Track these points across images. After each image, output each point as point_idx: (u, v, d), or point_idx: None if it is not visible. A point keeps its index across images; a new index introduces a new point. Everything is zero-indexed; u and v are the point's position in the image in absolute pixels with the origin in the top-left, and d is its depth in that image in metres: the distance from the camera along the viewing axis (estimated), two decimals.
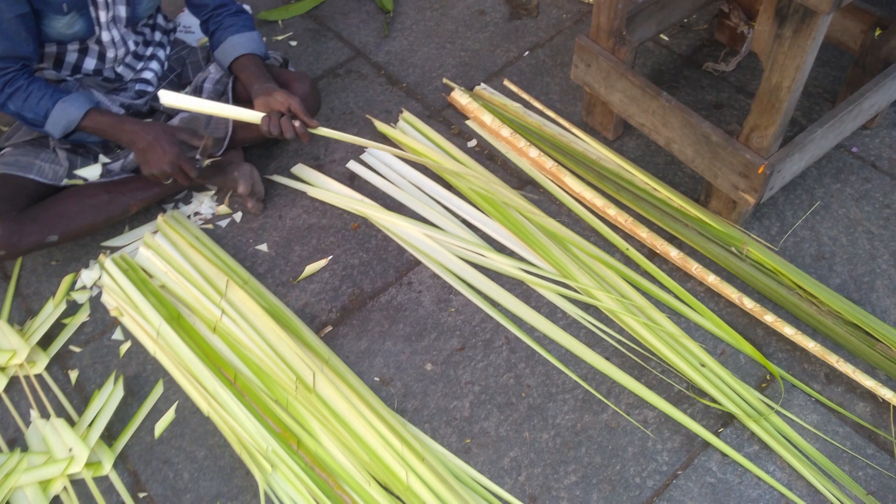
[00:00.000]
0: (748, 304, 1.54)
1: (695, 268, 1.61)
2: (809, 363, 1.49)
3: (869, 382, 1.41)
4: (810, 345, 1.47)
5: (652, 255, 1.68)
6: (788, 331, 1.49)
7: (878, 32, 1.71)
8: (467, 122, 2.02)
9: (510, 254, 1.72)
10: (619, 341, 1.55)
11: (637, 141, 1.92)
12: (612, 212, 1.73)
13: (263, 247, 1.79)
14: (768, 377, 1.48)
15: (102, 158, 1.76)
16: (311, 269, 1.74)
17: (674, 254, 1.64)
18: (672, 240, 1.68)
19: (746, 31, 1.98)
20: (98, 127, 1.62)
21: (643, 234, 1.68)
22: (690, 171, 1.83)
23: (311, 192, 1.88)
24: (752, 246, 1.60)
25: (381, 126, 2.01)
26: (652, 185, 1.75)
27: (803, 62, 1.33)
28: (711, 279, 1.59)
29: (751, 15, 2.00)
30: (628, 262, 1.67)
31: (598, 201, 1.76)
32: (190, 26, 2.22)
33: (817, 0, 1.20)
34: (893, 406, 1.40)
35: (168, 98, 1.50)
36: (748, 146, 1.52)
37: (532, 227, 1.74)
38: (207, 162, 1.69)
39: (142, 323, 1.62)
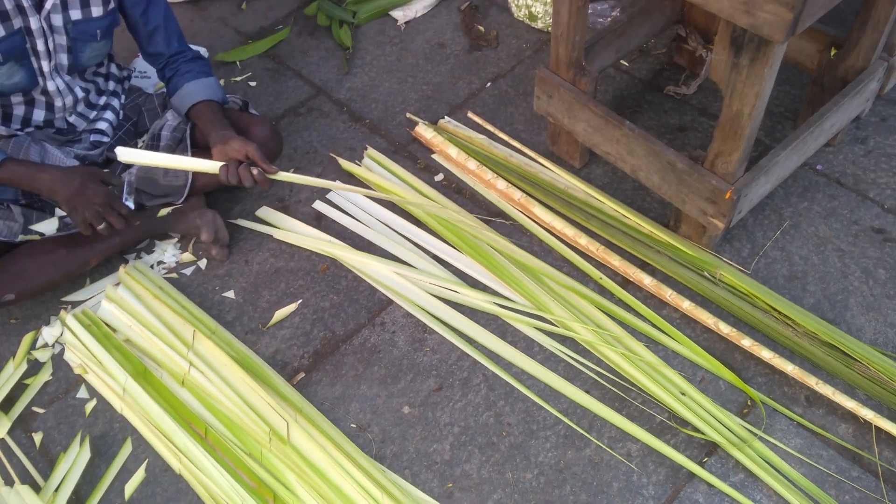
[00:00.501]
0: (724, 328, 1.53)
1: (669, 294, 1.60)
2: (789, 386, 1.48)
3: (850, 403, 1.40)
4: (789, 367, 1.46)
5: (626, 283, 1.67)
6: (766, 354, 1.49)
7: (833, 52, 1.74)
8: (433, 156, 2.01)
9: (483, 288, 1.70)
10: (597, 373, 1.53)
11: (604, 168, 1.92)
12: (583, 241, 1.72)
13: (230, 294, 1.75)
14: (749, 402, 1.47)
15: (59, 211, 1.70)
16: (280, 314, 1.70)
17: (647, 281, 1.63)
18: (644, 266, 1.68)
19: (705, 55, 2.01)
20: (13, 178, 1.51)
21: (615, 262, 1.67)
22: (659, 197, 1.84)
23: (278, 234, 1.85)
24: (725, 270, 1.60)
25: (345, 164, 1.99)
26: (621, 212, 1.75)
27: (762, 89, 1.34)
28: (686, 305, 1.58)
29: (707, 38, 2.02)
30: (602, 291, 1.66)
31: (569, 231, 1.75)
32: (146, 71, 2.18)
33: (771, 30, 1.21)
34: (875, 426, 1.39)
35: (125, 154, 1.45)
36: (713, 172, 1.52)
37: (504, 261, 1.72)
38: (166, 211, 1.65)
39: (107, 380, 1.56)
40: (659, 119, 2.02)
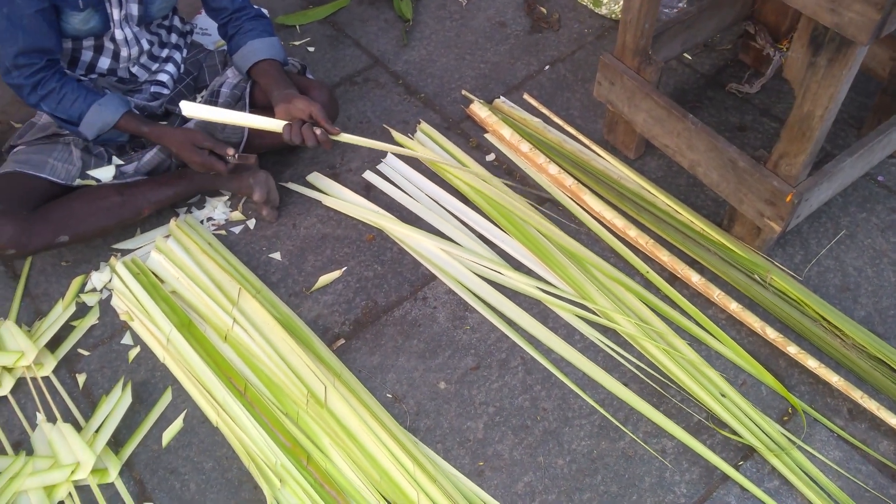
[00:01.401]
0: (771, 334, 1.51)
1: (716, 294, 1.58)
2: (833, 397, 1.46)
3: (894, 420, 1.38)
4: (834, 379, 1.44)
5: (673, 279, 1.65)
6: (812, 363, 1.46)
7: None
8: (486, 136, 2.00)
9: (528, 272, 1.69)
10: (637, 367, 1.52)
11: (659, 161, 1.89)
12: (632, 233, 1.70)
13: (277, 255, 1.76)
14: (790, 410, 1.45)
15: (116, 160, 1.73)
16: (324, 279, 1.71)
17: (695, 279, 1.61)
18: (693, 264, 1.66)
19: (772, 54, 1.96)
20: (129, 127, 1.64)
21: (664, 257, 1.65)
22: (713, 195, 1.81)
23: (327, 201, 1.86)
24: (776, 274, 1.57)
25: (398, 136, 1.99)
26: (674, 207, 1.73)
27: (837, 92, 1.30)
28: (733, 307, 1.56)
29: (777, 37, 1.97)
30: (648, 285, 1.65)
31: (619, 222, 1.73)
32: (207, 28, 2.20)
33: (856, 30, 1.18)
34: None
35: (189, 109, 1.47)
36: (776, 173, 1.49)
37: (550, 246, 1.71)
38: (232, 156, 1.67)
39: (152, 329, 1.59)
40: (719, 116, 1.98)
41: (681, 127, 1.64)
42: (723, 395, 1.45)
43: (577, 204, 1.81)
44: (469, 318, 1.62)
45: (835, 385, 1.44)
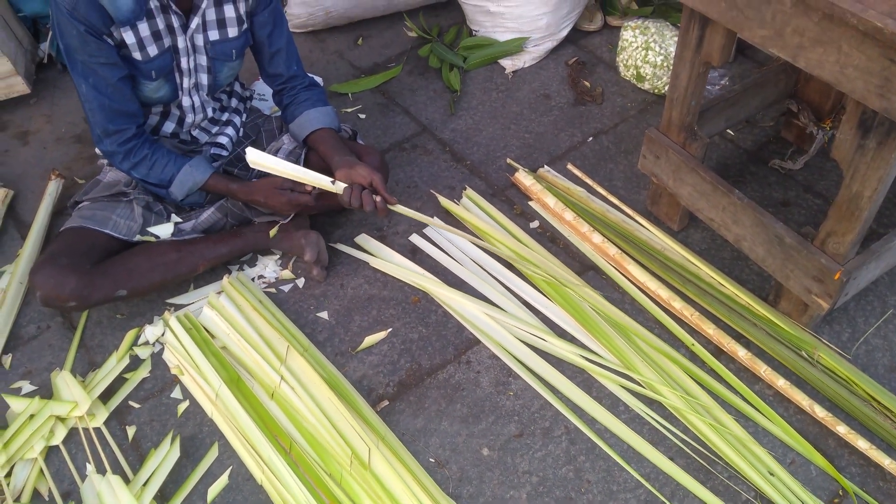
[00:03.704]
0: (819, 412, 1.49)
1: (763, 370, 1.58)
2: (885, 481, 1.43)
3: None
4: (886, 461, 1.41)
5: (719, 352, 1.65)
6: (862, 444, 1.44)
7: None
8: (530, 203, 2.04)
9: (571, 339, 1.70)
10: (683, 441, 1.51)
11: (703, 233, 1.91)
12: (677, 305, 1.71)
13: (324, 314, 1.80)
14: (841, 492, 1.42)
15: (175, 218, 1.80)
16: (370, 340, 1.74)
17: (741, 353, 1.61)
18: (739, 338, 1.65)
19: (815, 132, 1.99)
20: (216, 187, 1.76)
21: (710, 330, 1.66)
22: (758, 269, 1.82)
23: (374, 262, 1.90)
24: (823, 351, 1.57)
25: (444, 202, 2.04)
26: (719, 279, 1.74)
27: (887, 174, 1.32)
28: (781, 383, 1.55)
29: (820, 116, 2.01)
30: (694, 358, 1.64)
31: (663, 293, 1.74)
32: (263, 94, 2.30)
33: None
34: None
35: (254, 156, 1.55)
36: (823, 251, 1.50)
37: (594, 314, 1.73)
38: (276, 230, 1.73)
39: (201, 383, 1.62)
40: (762, 191, 2.00)
41: (726, 201, 1.66)
42: (771, 474, 1.43)
43: (621, 273, 1.83)
44: (513, 384, 1.63)
45: (887, 468, 1.41)
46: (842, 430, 1.47)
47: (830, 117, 1.97)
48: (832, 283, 1.49)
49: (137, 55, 1.59)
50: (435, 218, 1.98)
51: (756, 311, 1.66)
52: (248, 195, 1.75)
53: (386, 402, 1.62)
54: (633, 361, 1.63)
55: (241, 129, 1.97)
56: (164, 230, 1.77)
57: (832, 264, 1.48)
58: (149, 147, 1.67)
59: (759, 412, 1.53)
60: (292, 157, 1.89)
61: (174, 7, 1.59)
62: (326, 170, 1.71)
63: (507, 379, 1.65)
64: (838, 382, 1.54)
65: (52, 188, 2.07)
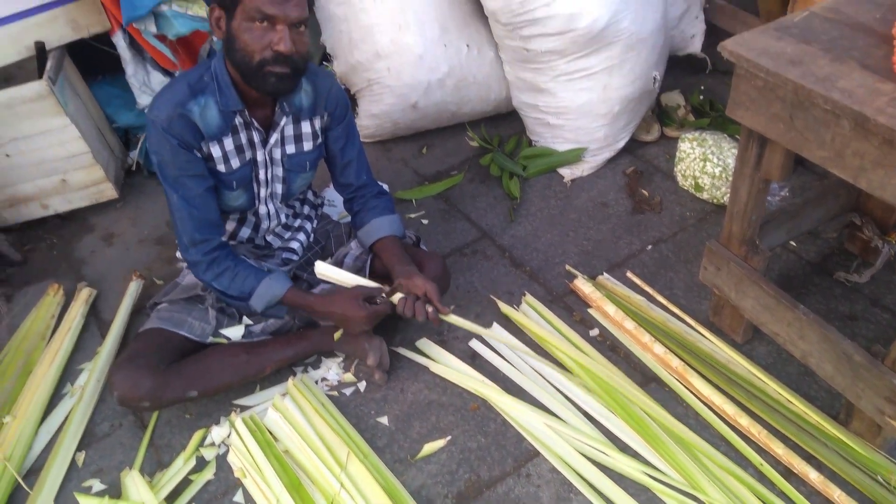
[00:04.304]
0: None
1: (837, 494, 1.51)
2: None
3: None
4: None
5: (788, 473, 1.59)
6: None
7: None
8: (590, 311, 2.05)
9: (634, 454, 1.67)
10: None
11: (768, 347, 1.88)
12: (743, 421, 1.67)
13: (384, 419, 1.82)
14: None
15: (246, 320, 1.88)
16: (429, 448, 1.74)
17: (813, 476, 1.55)
18: (810, 459, 1.60)
19: (881, 246, 1.97)
20: (293, 301, 1.78)
21: (779, 449, 1.61)
22: (827, 385, 1.77)
23: (434, 367, 1.92)
24: None
25: (504, 307, 2.07)
26: (786, 396, 1.70)
27: None
28: None
29: (884, 229, 1.99)
30: (762, 478, 1.59)
31: (729, 408, 1.71)
32: (333, 200, 2.42)
33: None
34: None
35: (322, 269, 1.62)
36: (895, 371, 1.47)
37: (657, 429, 1.70)
38: (340, 333, 1.78)
39: (263, 488, 1.64)
40: (827, 304, 1.97)
41: (791, 316, 1.65)
42: None
43: (685, 386, 1.81)
44: (573, 500, 1.60)
45: None
46: None
47: (895, 231, 1.95)
48: None
49: (222, 167, 1.71)
50: (494, 325, 2.01)
51: (827, 430, 1.61)
52: (326, 307, 1.76)
53: None
54: (698, 480, 1.58)
55: (312, 235, 2.06)
56: (235, 332, 1.85)
57: None
58: (231, 259, 1.76)
59: None
60: (359, 262, 1.97)
61: (256, 124, 1.72)
62: (388, 277, 1.77)
63: (569, 495, 1.62)
64: None
65: (133, 288, 2.19)
